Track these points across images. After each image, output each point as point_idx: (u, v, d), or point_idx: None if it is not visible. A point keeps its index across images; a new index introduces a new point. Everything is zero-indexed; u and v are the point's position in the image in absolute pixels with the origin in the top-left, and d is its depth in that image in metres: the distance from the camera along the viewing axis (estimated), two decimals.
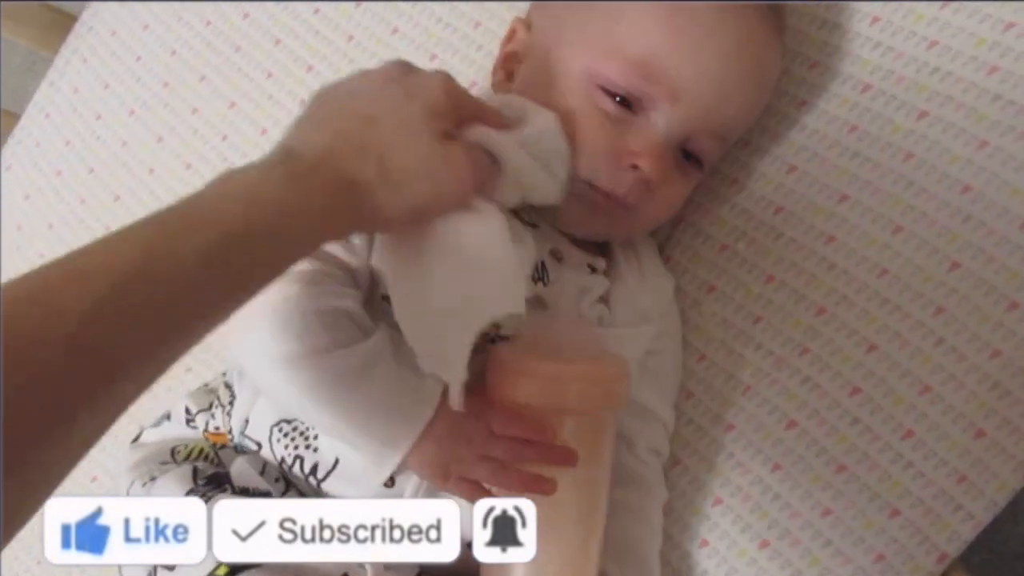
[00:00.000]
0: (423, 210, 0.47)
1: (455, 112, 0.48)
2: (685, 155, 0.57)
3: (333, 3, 0.82)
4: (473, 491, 0.49)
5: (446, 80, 0.49)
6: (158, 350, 0.35)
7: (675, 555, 0.64)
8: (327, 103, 0.47)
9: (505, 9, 0.75)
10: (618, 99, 0.54)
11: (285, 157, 0.42)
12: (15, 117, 0.99)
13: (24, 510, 0.32)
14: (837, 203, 0.62)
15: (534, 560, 0.46)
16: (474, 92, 0.64)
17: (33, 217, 0.93)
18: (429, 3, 0.78)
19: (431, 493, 0.53)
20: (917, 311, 0.58)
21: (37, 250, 0.92)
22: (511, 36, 0.62)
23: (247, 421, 0.57)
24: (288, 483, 0.56)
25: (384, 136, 0.44)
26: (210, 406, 0.61)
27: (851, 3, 0.63)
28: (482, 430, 0.49)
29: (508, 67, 0.61)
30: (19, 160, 0.96)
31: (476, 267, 0.48)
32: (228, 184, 0.40)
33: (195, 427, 0.61)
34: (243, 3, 0.87)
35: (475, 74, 0.75)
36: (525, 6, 0.65)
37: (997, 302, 0.56)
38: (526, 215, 0.57)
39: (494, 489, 0.49)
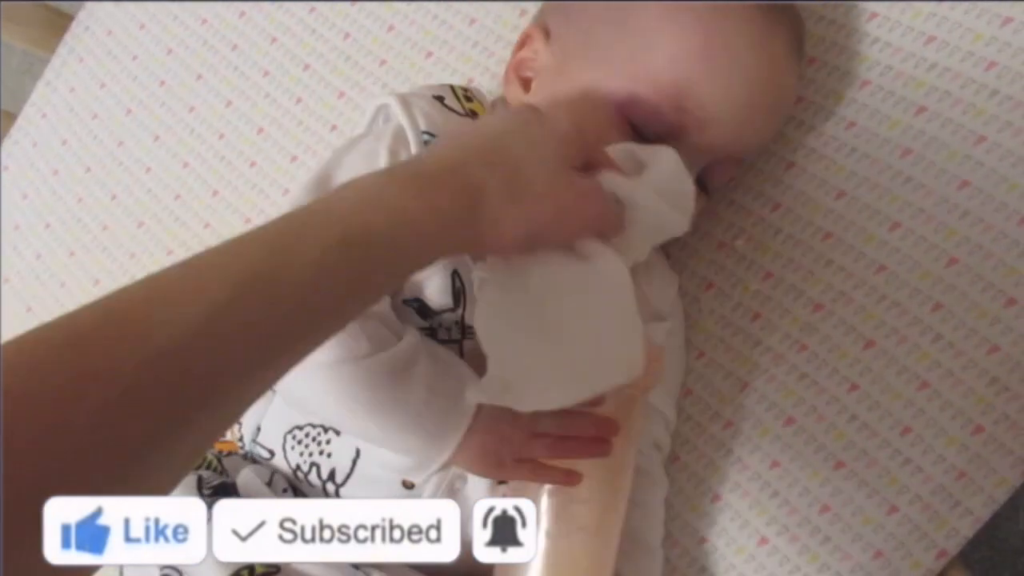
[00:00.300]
0: (542, 233, 0.44)
1: (584, 148, 0.47)
2: (701, 184, 0.57)
3: (329, 2, 0.82)
4: (533, 469, 0.49)
5: (575, 120, 0.47)
6: (272, 358, 0.34)
7: (674, 553, 0.64)
8: (459, 129, 0.48)
9: (500, 6, 0.75)
10: (650, 135, 0.54)
11: (411, 164, 0.43)
12: (12, 117, 0.98)
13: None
14: (835, 199, 0.62)
15: (554, 549, 0.47)
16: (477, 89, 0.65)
17: (31, 217, 0.93)
18: (425, 1, 0.78)
19: (450, 493, 0.53)
20: (915, 307, 0.58)
21: (34, 250, 0.92)
22: (524, 41, 0.60)
23: (259, 429, 0.57)
24: (296, 492, 0.56)
25: (513, 151, 0.43)
26: None
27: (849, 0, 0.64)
28: (521, 436, 0.49)
29: (522, 75, 0.60)
30: (16, 160, 0.96)
31: (602, 320, 0.45)
32: (348, 188, 0.39)
33: None
34: (239, 2, 0.87)
35: (471, 71, 0.75)
36: (521, 5, 0.65)
37: (995, 298, 0.56)
38: None
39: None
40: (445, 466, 0.50)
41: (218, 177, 0.84)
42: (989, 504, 0.56)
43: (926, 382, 0.58)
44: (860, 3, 0.63)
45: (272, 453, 0.56)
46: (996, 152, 0.57)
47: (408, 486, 0.52)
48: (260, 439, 0.57)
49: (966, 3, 0.59)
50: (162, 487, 0.32)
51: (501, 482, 0.53)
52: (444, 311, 0.53)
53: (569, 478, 0.48)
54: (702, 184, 0.58)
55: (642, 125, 0.54)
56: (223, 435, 0.34)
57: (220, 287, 0.32)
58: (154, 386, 0.29)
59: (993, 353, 0.56)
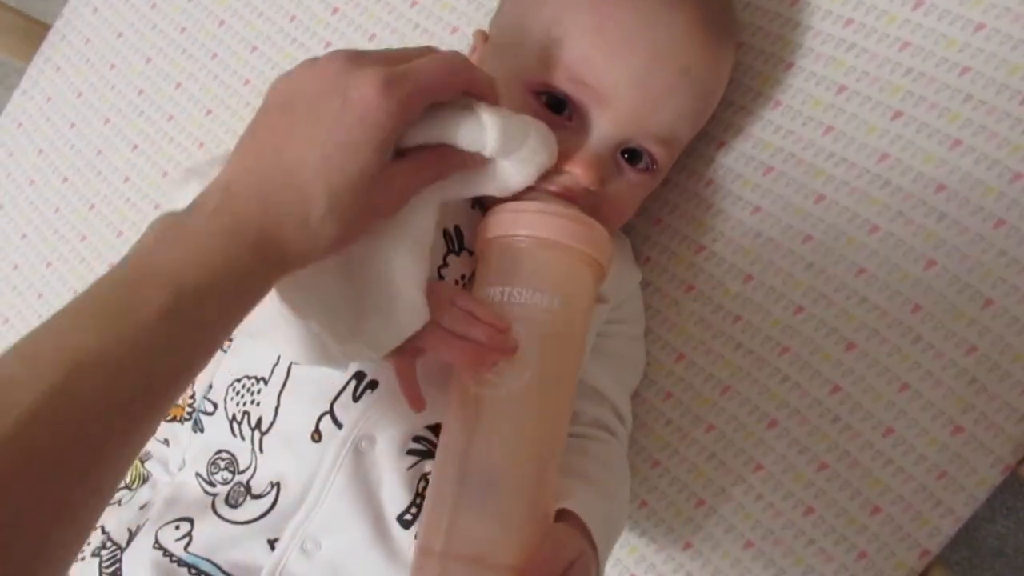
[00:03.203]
0: (342, 245, 0.46)
1: (401, 115, 0.44)
2: (631, 160, 0.57)
3: (309, 10, 0.82)
4: (411, 366, 0.50)
5: (388, 79, 0.43)
6: (121, 428, 0.35)
7: (658, 558, 0.64)
8: (269, 112, 0.45)
9: (483, 15, 0.75)
10: (551, 107, 0.55)
11: (223, 205, 0.42)
12: None
13: None
14: (813, 203, 0.62)
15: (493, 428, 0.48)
16: None
17: (6, 227, 0.92)
18: (405, 9, 0.78)
19: (356, 454, 0.53)
20: (894, 309, 0.59)
21: (11, 261, 0.91)
22: (473, 48, 0.63)
23: (211, 386, 0.59)
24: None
25: (310, 182, 0.43)
26: None
27: (824, 5, 0.64)
28: (441, 297, 0.50)
29: None
30: None
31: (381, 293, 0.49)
32: (170, 243, 0.40)
33: None
34: (218, 11, 0.86)
35: None
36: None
37: (972, 299, 0.57)
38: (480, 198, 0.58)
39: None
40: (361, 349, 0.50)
41: None
42: (970, 503, 0.56)
43: (907, 383, 0.58)
44: (835, 9, 0.64)
45: (216, 407, 0.58)
46: (971, 156, 0.58)
47: (315, 439, 0.53)
48: (210, 395, 0.59)
49: (939, 10, 0.60)
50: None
51: (411, 452, 0.54)
52: None
53: (492, 352, 0.48)
54: (638, 160, 0.57)
55: (551, 103, 0.55)
56: (106, 501, 0.36)
57: (54, 371, 0.33)
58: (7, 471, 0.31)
59: (971, 354, 0.57)
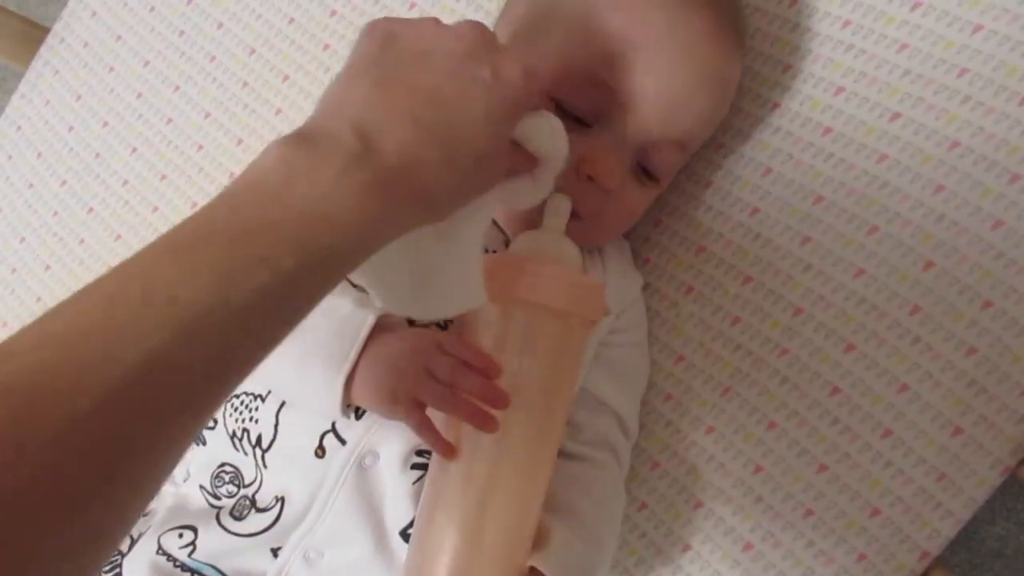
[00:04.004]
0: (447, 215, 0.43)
1: (530, 105, 0.44)
2: (644, 170, 0.57)
3: (308, 13, 0.82)
4: (421, 417, 0.49)
5: (525, 69, 0.43)
6: (229, 380, 0.32)
7: (658, 560, 0.64)
8: (401, 60, 0.41)
9: (481, 16, 0.75)
10: (573, 114, 0.54)
11: (364, 152, 0.36)
12: None
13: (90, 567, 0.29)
14: (812, 204, 0.62)
15: (474, 476, 0.48)
16: None
17: (5, 231, 0.92)
18: (404, 12, 0.78)
19: (360, 470, 0.53)
20: (893, 310, 0.59)
21: (9, 264, 0.91)
22: None
23: None
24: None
25: (463, 135, 0.40)
26: None
27: (823, 7, 0.64)
28: (430, 347, 0.49)
29: None
30: None
31: (450, 257, 0.47)
32: (294, 192, 0.34)
33: None
34: (216, 14, 0.86)
35: None
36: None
37: (971, 300, 0.57)
38: None
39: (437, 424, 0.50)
40: (348, 399, 0.50)
41: (197, 189, 0.84)
42: (969, 505, 0.56)
43: (905, 385, 0.58)
44: (833, 11, 0.64)
45: (216, 421, 0.58)
46: (970, 157, 0.58)
47: (319, 455, 0.53)
48: None
49: (937, 11, 0.60)
50: (109, 534, 0.30)
51: (414, 467, 0.54)
52: None
53: (483, 420, 0.47)
54: (648, 171, 0.57)
55: (568, 105, 0.54)
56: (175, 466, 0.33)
57: (159, 329, 0.29)
58: (96, 435, 0.27)
59: (970, 355, 0.57)
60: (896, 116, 0.61)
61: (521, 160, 0.47)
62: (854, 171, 0.61)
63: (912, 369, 0.58)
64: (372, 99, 0.39)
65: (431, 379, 0.48)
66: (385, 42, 0.42)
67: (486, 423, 0.47)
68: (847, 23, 0.63)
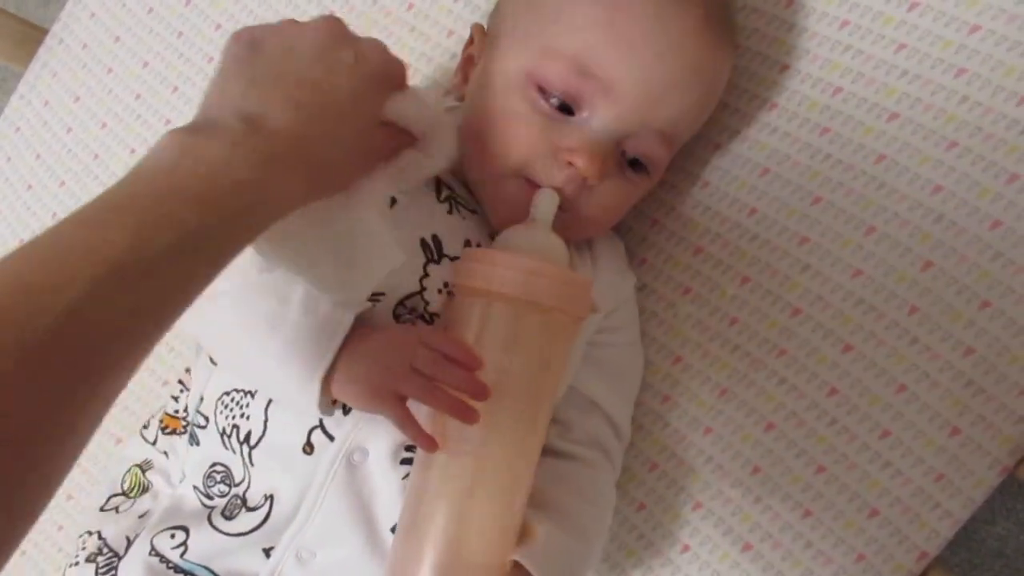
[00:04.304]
0: (334, 192, 0.48)
1: (388, 80, 0.49)
2: (631, 162, 0.57)
3: (305, 15, 0.82)
4: (403, 412, 0.49)
5: (384, 51, 0.49)
6: (148, 331, 0.36)
7: (656, 561, 0.64)
8: (270, 58, 0.46)
9: (478, 17, 0.75)
10: (555, 101, 0.55)
11: (251, 132, 0.41)
12: None
13: (25, 514, 0.32)
14: (810, 205, 0.62)
15: (458, 471, 0.49)
16: (449, 100, 0.65)
17: (4, 232, 0.92)
18: (402, 13, 0.78)
19: (349, 466, 0.53)
20: (891, 311, 0.59)
21: None
22: (470, 41, 0.63)
23: (202, 398, 0.59)
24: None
25: (339, 111, 0.45)
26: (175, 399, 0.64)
27: (820, 7, 0.64)
28: (411, 341, 0.49)
29: (465, 70, 0.62)
30: None
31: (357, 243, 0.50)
32: (195, 160, 0.39)
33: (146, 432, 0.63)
34: (214, 15, 0.86)
35: (407, 56, 0.75)
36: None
37: (969, 300, 0.57)
38: (464, 201, 0.58)
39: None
40: (328, 395, 0.50)
41: None
42: (967, 505, 0.56)
43: (904, 385, 0.58)
44: (831, 11, 0.64)
45: (207, 420, 0.58)
46: (967, 157, 0.58)
47: (307, 452, 0.53)
48: (201, 408, 0.58)
49: (934, 11, 0.60)
50: (61, 462, 0.33)
51: (404, 463, 0.54)
52: None
53: (464, 412, 0.48)
54: (636, 161, 0.57)
55: (551, 92, 0.54)
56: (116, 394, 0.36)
57: (79, 278, 0.32)
58: (21, 384, 0.30)
59: (968, 355, 0.57)
60: (894, 116, 0.61)
61: (400, 136, 0.51)
62: (852, 171, 0.61)
63: (910, 369, 0.58)
64: (249, 91, 0.44)
65: (413, 373, 0.48)
66: (252, 45, 0.46)
67: (467, 415, 0.47)
68: (845, 23, 0.63)
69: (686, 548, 0.63)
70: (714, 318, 0.64)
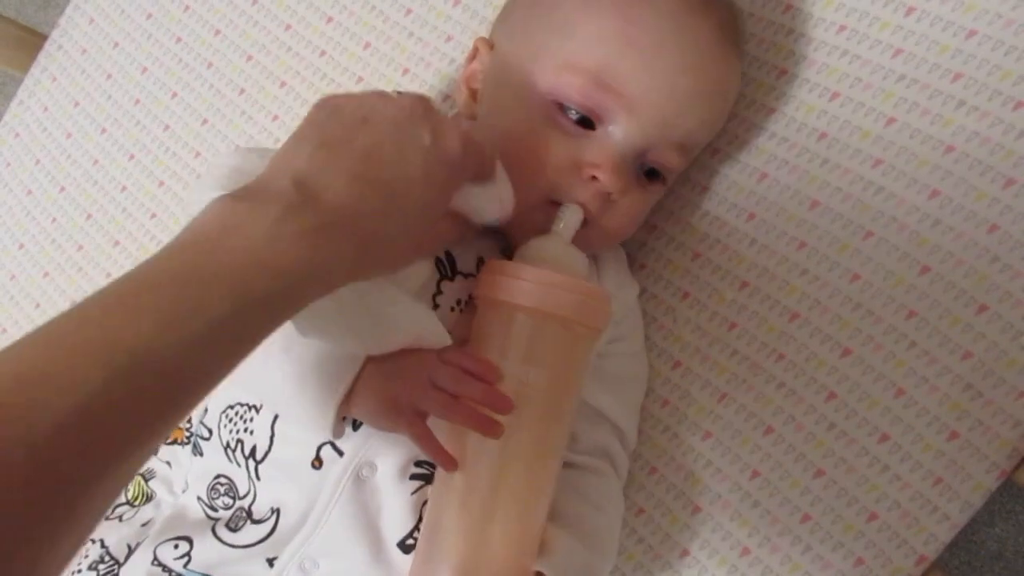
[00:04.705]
0: (388, 270, 0.47)
1: (464, 170, 0.47)
2: (647, 172, 0.57)
3: (304, 20, 0.82)
4: (423, 429, 0.49)
5: (466, 133, 0.47)
6: (167, 419, 0.33)
7: (656, 566, 0.64)
8: (344, 126, 0.44)
9: (477, 23, 0.75)
10: (576, 116, 0.54)
11: (302, 203, 0.39)
12: None
13: None
14: (808, 209, 0.62)
15: (480, 485, 0.48)
16: (446, 106, 0.65)
17: (4, 238, 0.92)
18: (400, 18, 0.78)
19: (357, 481, 0.53)
20: (889, 315, 0.59)
21: (8, 271, 0.91)
22: (474, 55, 0.62)
23: (206, 410, 0.59)
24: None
25: (403, 190, 0.42)
26: None
27: (817, 12, 0.64)
28: (429, 358, 0.49)
29: (471, 86, 0.61)
30: None
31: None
32: (233, 237, 0.36)
33: None
34: (213, 20, 0.86)
35: (447, 88, 0.75)
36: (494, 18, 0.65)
37: (967, 305, 0.57)
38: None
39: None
40: (346, 413, 0.50)
41: None
42: (966, 509, 0.56)
43: (902, 389, 0.58)
44: (828, 16, 0.64)
45: (211, 432, 0.58)
46: (965, 162, 0.58)
47: (316, 467, 0.53)
48: (205, 420, 0.58)
49: (931, 16, 0.60)
50: (64, 555, 0.31)
51: (412, 478, 0.54)
52: None
53: (487, 425, 0.47)
54: (649, 174, 0.57)
55: (570, 107, 0.54)
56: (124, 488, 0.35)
57: (95, 370, 0.30)
58: (43, 468, 0.28)
59: (967, 359, 0.57)
60: (891, 121, 0.61)
61: (464, 228, 0.52)
62: (849, 176, 0.61)
63: (908, 373, 0.58)
64: (315, 158, 0.42)
65: (433, 389, 0.48)
66: (331, 112, 0.45)
67: (490, 428, 0.47)
68: (842, 28, 0.63)
69: (686, 553, 0.63)
70: (713, 323, 0.64)
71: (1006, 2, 0.58)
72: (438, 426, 0.49)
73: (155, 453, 0.58)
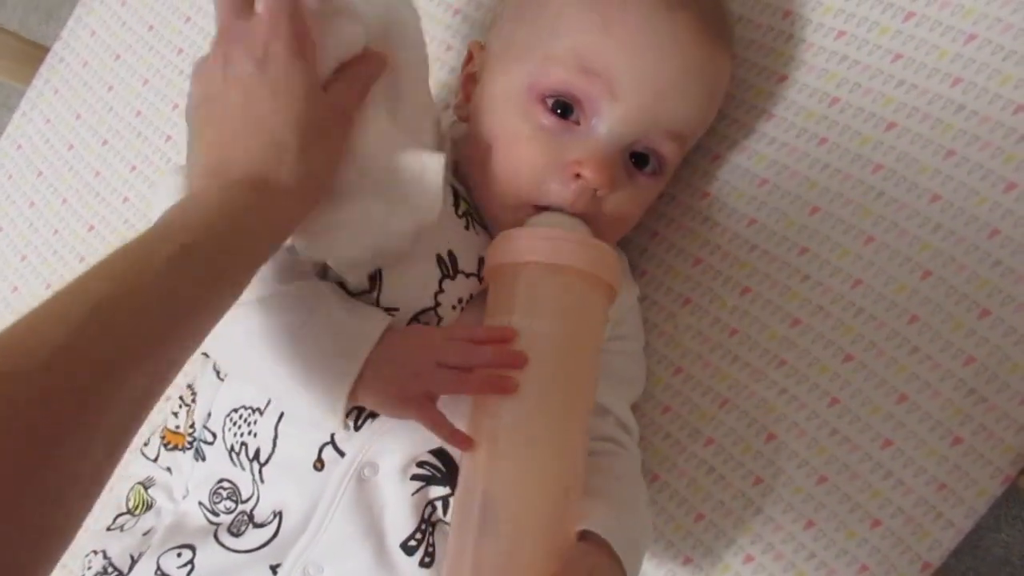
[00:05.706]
0: (328, 169, 0.49)
1: (309, 63, 0.48)
2: (638, 163, 0.57)
3: None
4: (434, 413, 0.49)
5: (275, 27, 0.48)
6: (152, 350, 0.38)
7: (658, 573, 0.64)
8: (211, 121, 0.48)
9: (477, 32, 0.75)
10: (559, 110, 0.54)
11: (213, 172, 0.46)
12: None
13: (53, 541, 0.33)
14: (809, 215, 0.62)
15: (516, 450, 0.48)
16: (447, 115, 0.65)
17: (6, 249, 0.92)
18: None
19: (359, 482, 0.53)
20: (891, 320, 0.59)
21: (11, 283, 0.91)
22: (469, 58, 0.63)
23: (209, 414, 0.59)
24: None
25: (277, 123, 0.46)
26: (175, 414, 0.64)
27: (816, 18, 0.64)
28: (436, 338, 0.50)
29: (467, 89, 0.62)
30: None
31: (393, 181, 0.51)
32: (174, 209, 0.44)
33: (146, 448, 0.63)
34: (214, 31, 0.87)
35: (448, 96, 0.75)
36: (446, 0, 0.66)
37: (969, 309, 0.57)
38: (479, 216, 0.59)
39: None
40: (355, 402, 0.50)
41: None
42: (970, 515, 0.56)
43: (904, 395, 0.58)
44: (827, 21, 0.64)
45: (215, 436, 0.58)
46: (965, 166, 0.58)
47: (318, 468, 0.53)
48: (209, 424, 0.59)
49: (930, 21, 0.60)
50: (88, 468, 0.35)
51: (414, 478, 0.53)
52: (360, 293, 0.54)
53: (500, 384, 0.48)
54: (645, 162, 0.57)
55: (554, 95, 0.54)
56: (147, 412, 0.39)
57: (79, 313, 0.36)
58: (59, 378, 0.34)
59: (969, 364, 0.56)
60: (891, 126, 0.61)
61: (354, 70, 0.51)
62: (850, 181, 0.61)
63: (911, 379, 0.58)
64: (209, 153, 0.48)
65: (440, 369, 0.49)
66: (201, 115, 0.50)
67: (503, 385, 0.48)
68: (841, 34, 0.63)
69: (688, 560, 0.63)
70: (714, 329, 0.64)
71: (1005, 6, 0.58)
72: (450, 414, 0.50)
73: (211, 434, 0.59)
